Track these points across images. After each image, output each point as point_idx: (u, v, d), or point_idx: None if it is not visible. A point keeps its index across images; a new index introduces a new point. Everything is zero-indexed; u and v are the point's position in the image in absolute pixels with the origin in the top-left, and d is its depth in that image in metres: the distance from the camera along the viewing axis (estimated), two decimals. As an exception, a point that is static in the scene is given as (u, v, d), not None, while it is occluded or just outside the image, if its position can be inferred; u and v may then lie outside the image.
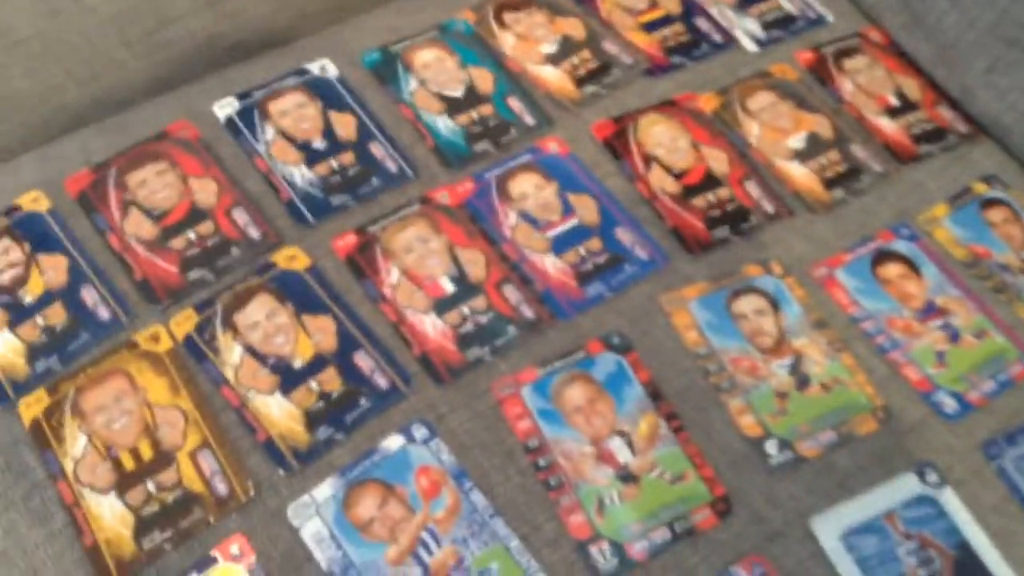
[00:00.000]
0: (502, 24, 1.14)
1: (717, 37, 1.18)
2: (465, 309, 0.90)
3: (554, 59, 1.11)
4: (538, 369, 0.87)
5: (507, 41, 1.13)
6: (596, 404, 0.85)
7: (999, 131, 1.12)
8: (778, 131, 1.10)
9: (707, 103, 1.11)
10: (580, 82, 1.10)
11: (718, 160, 1.05)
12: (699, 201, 1.02)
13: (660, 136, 1.06)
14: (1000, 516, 0.83)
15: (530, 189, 0.99)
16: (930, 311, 0.97)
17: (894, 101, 1.15)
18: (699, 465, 0.84)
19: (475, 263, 0.93)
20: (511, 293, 0.91)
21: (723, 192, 1.03)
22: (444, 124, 1.03)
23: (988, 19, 1.11)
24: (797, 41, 1.20)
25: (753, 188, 1.03)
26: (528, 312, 0.90)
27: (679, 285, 0.95)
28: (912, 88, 1.17)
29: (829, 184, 1.06)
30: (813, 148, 1.09)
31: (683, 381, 0.88)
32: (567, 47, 1.13)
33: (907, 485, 0.85)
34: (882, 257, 1.01)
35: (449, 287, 0.91)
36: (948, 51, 1.15)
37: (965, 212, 1.06)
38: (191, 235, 0.91)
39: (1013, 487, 0.86)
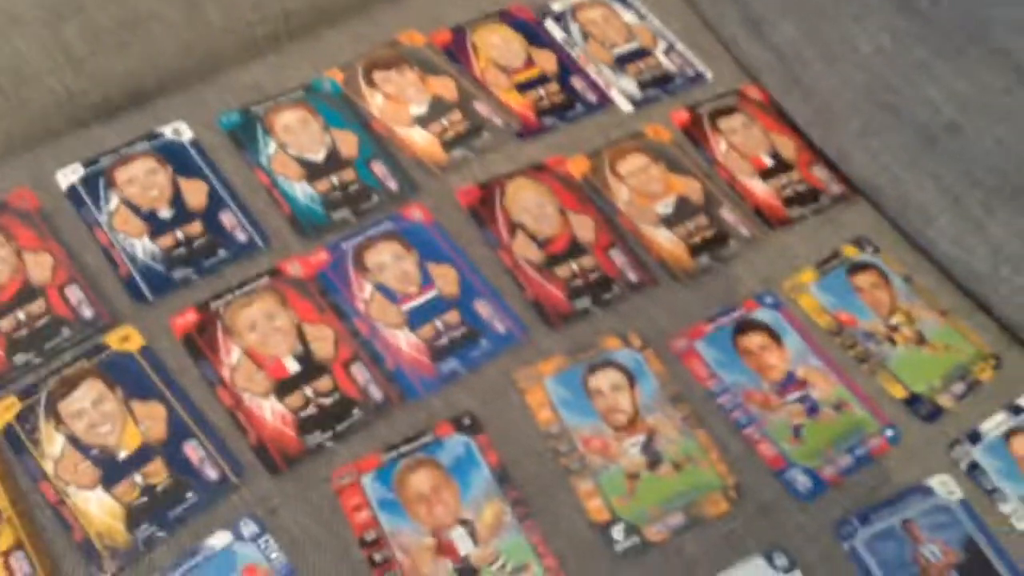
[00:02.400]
0: (371, 84, 1.12)
1: (592, 97, 1.17)
2: (308, 391, 0.87)
3: (423, 121, 1.09)
4: (382, 455, 0.85)
5: (376, 102, 1.10)
6: (440, 492, 0.83)
7: (872, 192, 1.12)
8: (647, 196, 1.08)
9: (577, 167, 1.09)
10: (449, 145, 1.08)
11: (584, 227, 1.04)
12: (562, 270, 1.00)
13: (527, 202, 1.05)
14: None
15: (388, 259, 0.97)
16: (789, 383, 0.96)
17: (768, 162, 1.14)
18: (542, 555, 0.82)
19: (323, 340, 0.90)
20: (359, 372, 0.88)
21: (587, 261, 1.01)
22: (302, 190, 1.01)
23: (862, 82, 1.11)
24: (674, 100, 1.19)
25: (618, 256, 1.02)
26: (376, 393, 0.88)
27: (536, 360, 0.93)
28: (788, 148, 1.17)
29: (695, 251, 1.05)
30: (681, 213, 1.08)
31: (533, 463, 0.86)
32: (438, 108, 1.11)
33: (755, 570, 0.83)
34: (744, 327, 1.00)
35: (293, 367, 0.88)
36: (824, 112, 1.15)
37: (832, 277, 1.06)
38: (20, 315, 0.87)
39: (864, 570, 0.85)
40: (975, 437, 0.95)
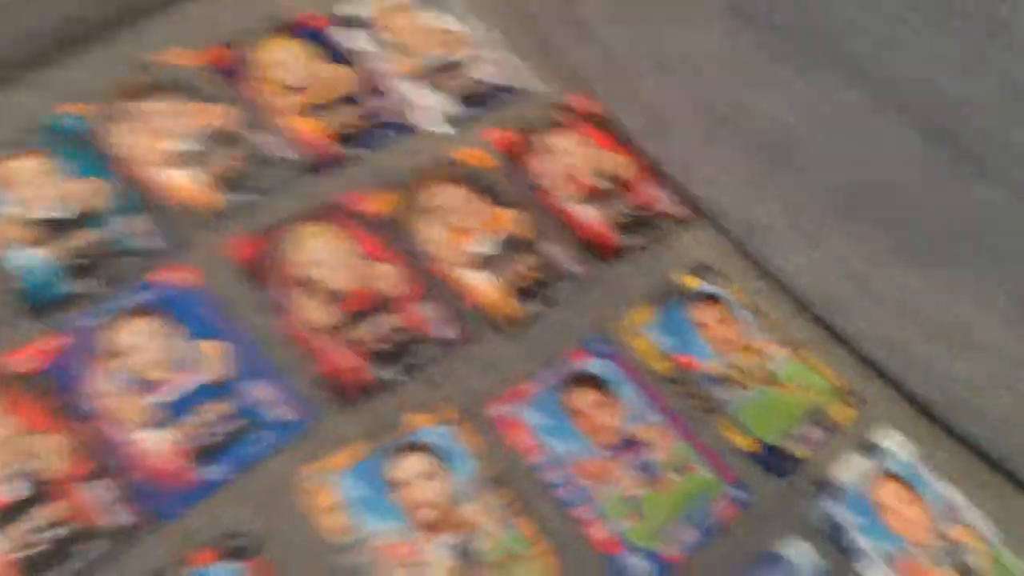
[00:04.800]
0: (124, 118, 0.91)
1: (399, 119, 0.98)
2: (29, 524, 0.66)
3: (192, 160, 0.89)
4: None
5: (127, 140, 0.89)
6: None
7: (714, 213, 0.98)
8: (463, 233, 0.91)
9: (380, 204, 0.91)
10: (224, 187, 0.87)
11: (388, 278, 0.86)
12: (362, 333, 0.82)
13: (318, 252, 0.86)
14: None
15: (142, 340, 0.77)
16: (625, 445, 0.81)
17: (599, 183, 0.99)
18: None
19: (51, 455, 0.70)
20: (96, 493, 0.68)
21: (393, 319, 0.83)
22: (30, 258, 0.79)
23: (699, 92, 0.96)
24: (494, 117, 1.02)
25: (430, 309, 0.84)
26: (121, 516, 0.68)
27: (326, 451, 0.74)
28: (621, 166, 1.01)
29: (522, 296, 0.88)
30: (503, 252, 0.91)
31: (319, 587, 0.68)
32: (210, 144, 0.90)
33: None
34: (574, 382, 0.84)
35: (13, 494, 0.68)
36: (659, 125, 1.00)
37: (671, 314, 0.91)
38: None
39: None
40: (833, 488, 0.81)
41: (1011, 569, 0.81)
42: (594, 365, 0.86)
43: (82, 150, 0.88)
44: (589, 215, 0.97)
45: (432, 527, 0.74)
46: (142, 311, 0.80)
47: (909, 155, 0.81)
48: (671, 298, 0.92)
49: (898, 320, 0.87)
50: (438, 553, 0.72)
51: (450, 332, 0.85)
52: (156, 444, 0.73)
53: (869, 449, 0.86)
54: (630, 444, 0.82)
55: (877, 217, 0.84)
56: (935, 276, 0.84)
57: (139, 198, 0.86)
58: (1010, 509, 0.84)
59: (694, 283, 0.94)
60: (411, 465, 0.76)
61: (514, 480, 0.78)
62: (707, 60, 0.95)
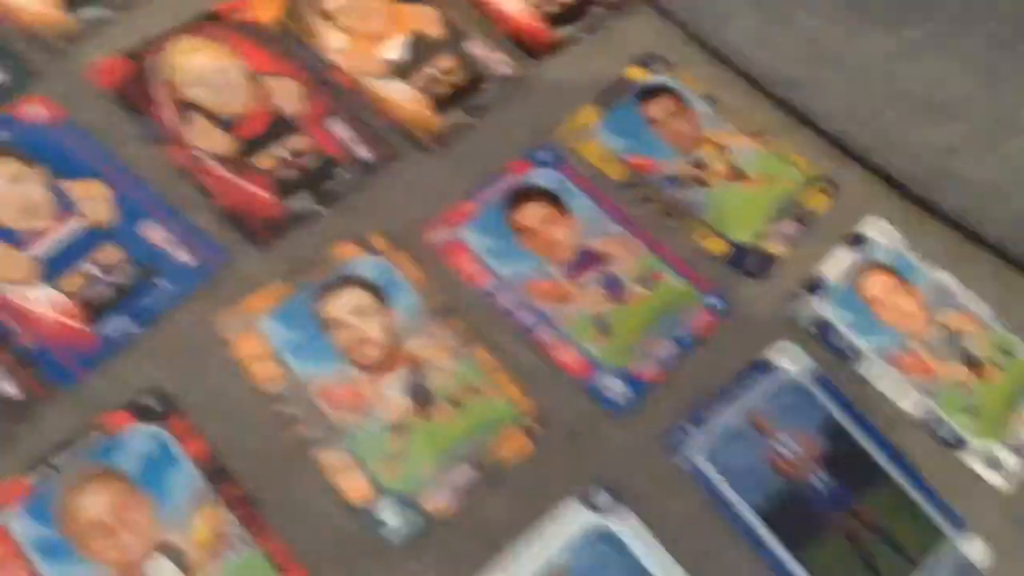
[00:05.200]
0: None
1: (274, -90, 0.92)
2: None
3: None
4: (29, 477, 0.63)
5: None
6: (125, 512, 0.64)
7: (653, -8, 0.96)
8: (369, 38, 0.88)
9: (265, 10, 0.87)
10: (74, 3, 0.82)
11: (287, 94, 0.83)
12: (264, 160, 0.80)
13: (201, 70, 0.82)
14: (695, 534, 0.70)
15: (2, 184, 0.72)
16: (584, 261, 0.81)
17: (518, -30, 0.95)
18: (285, 568, 0.64)
19: None
20: None
21: (298, 141, 0.81)
22: None
23: None
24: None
25: (339, 127, 0.82)
26: (9, 387, 0.65)
27: (242, 294, 0.73)
28: (542, -52, 0.98)
29: (442, 105, 0.86)
30: (418, 56, 0.88)
31: (256, 442, 0.68)
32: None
33: (571, 517, 0.69)
34: (517, 197, 0.83)
35: None
36: None
37: (620, 112, 0.90)
38: None
39: (706, 487, 0.72)
40: (817, 286, 0.83)
41: (1011, 351, 0.84)
42: (538, 176, 0.85)
43: None
44: (514, 6, 0.94)
45: (377, 367, 0.73)
46: (-4, 153, 0.75)
47: None
48: (617, 94, 0.91)
49: (865, 89, 0.88)
50: (387, 392, 0.72)
51: (367, 152, 0.82)
52: (40, 304, 0.70)
53: (850, 239, 0.87)
54: (588, 259, 0.82)
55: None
56: (903, 35, 0.84)
57: (-31, 22, 0.80)
58: (1004, 285, 0.87)
59: (640, 75, 0.93)
60: (344, 301, 0.75)
61: (462, 309, 0.77)
62: None
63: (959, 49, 0.81)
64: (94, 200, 0.74)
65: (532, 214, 0.83)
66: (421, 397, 0.73)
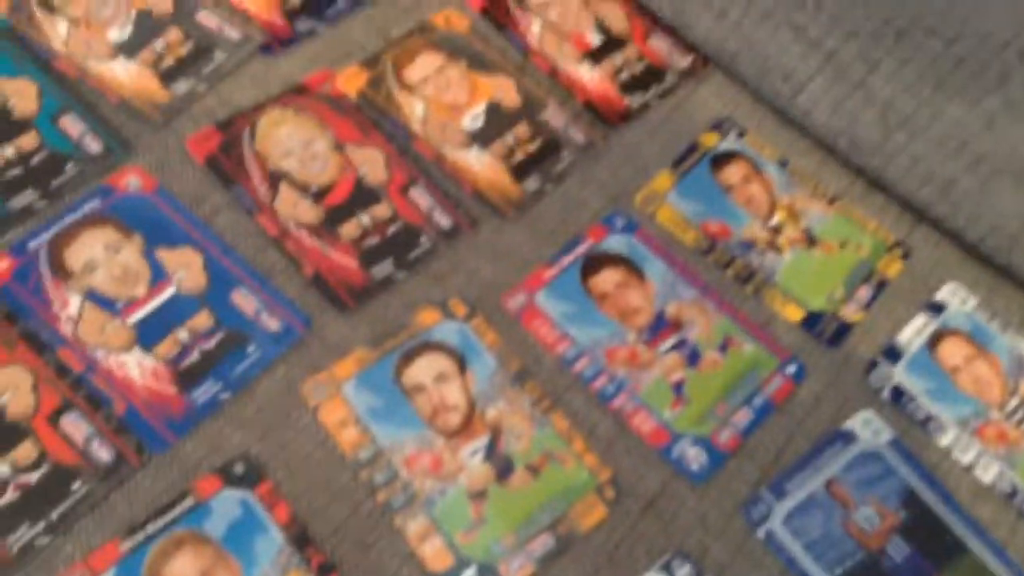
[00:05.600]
0: (50, 8, 0.86)
1: (358, -16, 0.94)
2: (4, 468, 0.64)
3: (128, 48, 0.86)
4: (121, 542, 0.64)
5: (59, 32, 0.85)
6: (213, 576, 0.63)
7: (726, 60, 0.96)
8: (449, 108, 0.88)
9: (349, 82, 0.88)
10: (168, 77, 0.84)
11: (371, 163, 0.83)
12: (349, 228, 0.80)
13: (288, 141, 0.83)
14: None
15: (100, 253, 0.75)
16: (660, 327, 0.80)
17: (594, 39, 0.96)
18: (368, 636, 0.63)
19: (17, 390, 0.67)
20: (74, 427, 0.67)
21: (381, 210, 0.81)
22: (-41, 177, 0.76)
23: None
24: (468, -26, 0.98)
25: (421, 196, 0.82)
26: (103, 453, 0.66)
27: (328, 361, 0.73)
28: (617, 17, 0.99)
29: (519, 172, 0.86)
30: (495, 125, 0.88)
31: (341, 509, 0.68)
32: (146, 29, 0.87)
33: (652, 589, 0.68)
34: (593, 264, 0.82)
35: None
36: (653, -34, 0.96)
37: (694, 178, 0.89)
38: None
39: (786, 558, 0.70)
40: (893, 354, 0.81)
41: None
42: (615, 242, 0.84)
43: (3, 48, 0.83)
44: (589, 75, 0.94)
45: (457, 432, 0.72)
46: (94, 222, 0.76)
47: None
48: (691, 160, 0.90)
49: (940, 155, 0.86)
50: (468, 459, 0.71)
51: (447, 220, 0.82)
52: (135, 370, 0.71)
53: (926, 305, 0.85)
54: (664, 325, 0.81)
55: (911, 40, 0.82)
56: (980, 101, 0.82)
57: (73, 97, 0.82)
58: (1085, 354, 0.84)
59: (713, 140, 0.92)
60: (426, 367, 0.75)
61: (541, 375, 0.76)
62: None
63: (1036, 117, 0.79)
64: (187, 268, 0.75)
65: (608, 279, 0.82)
66: (501, 464, 0.72)
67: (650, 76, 0.95)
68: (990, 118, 0.82)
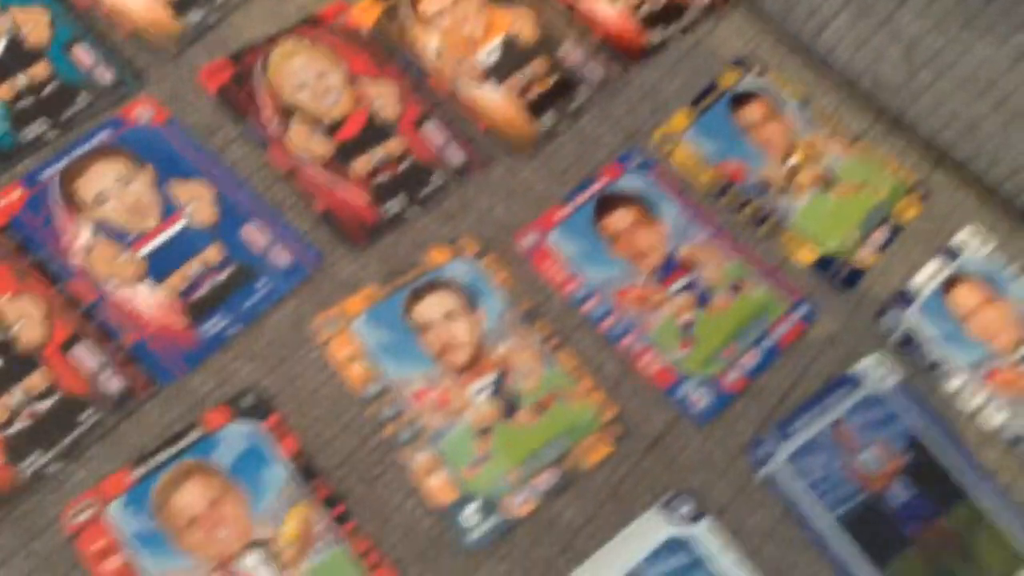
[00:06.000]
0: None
1: (375, -87, 0.91)
2: (16, 396, 0.64)
3: (140, -22, 0.83)
4: (131, 471, 0.64)
5: None
6: (220, 507, 0.64)
7: (748, -6, 0.92)
8: (464, 42, 0.86)
9: (364, 15, 0.86)
10: (180, 6, 0.82)
11: (385, 98, 0.81)
12: (361, 164, 0.78)
13: (301, 73, 0.81)
14: (774, 547, 0.67)
15: (111, 184, 0.74)
16: (671, 268, 0.78)
17: (617, -27, 0.92)
18: (371, 566, 0.63)
19: (30, 320, 0.67)
20: (85, 358, 0.66)
21: (394, 145, 0.79)
22: (-29, 104, 0.75)
23: None
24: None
25: (434, 132, 0.80)
26: (112, 384, 0.66)
27: (338, 297, 0.72)
28: (638, -48, 0.94)
29: (535, 109, 0.84)
30: (511, 60, 0.86)
31: (348, 442, 0.67)
32: (160, -43, 0.84)
33: (654, 526, 0.67)
34: (607, 203, 0.81)
35: None
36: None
37: (712, 117, 0.87)
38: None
39: (788, 500, 0.69)
40: (907, 298, 0.79)
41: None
42: (630, 181, 0.82)
43: (12, -25, 0.81)
44: (608, 10, 0.91)
45: (466, 369, 0.71)
46: (105, 153, 0.75)
47: None
48: (710, 99, 0.88)
49: (965, 95, 0.83)
50: (475, 396, 0.70)
51: (461, 157, 0.80)
52: (143, 301, 0.70)
53: (942, 250, 0.83)
54: (676, 267, 0.79)
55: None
56: (1008, 40, 0.78)
57: (85, 26, 0.80)
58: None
59: (734, 78, 0.89)
60: (435, 304, 0.74)
61: (551, 314, 0.75)
62: None
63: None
64: (199, 201, 0.74)
65: (621, 220, 0.80)
66: (508, 401, 0.71)
67: (671, 11, 0.92)
68: (1019, 56, 0.78)
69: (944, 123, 0.84)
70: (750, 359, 0.76)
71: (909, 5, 0.82)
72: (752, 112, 0.87)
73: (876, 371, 0.76)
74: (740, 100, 0.88)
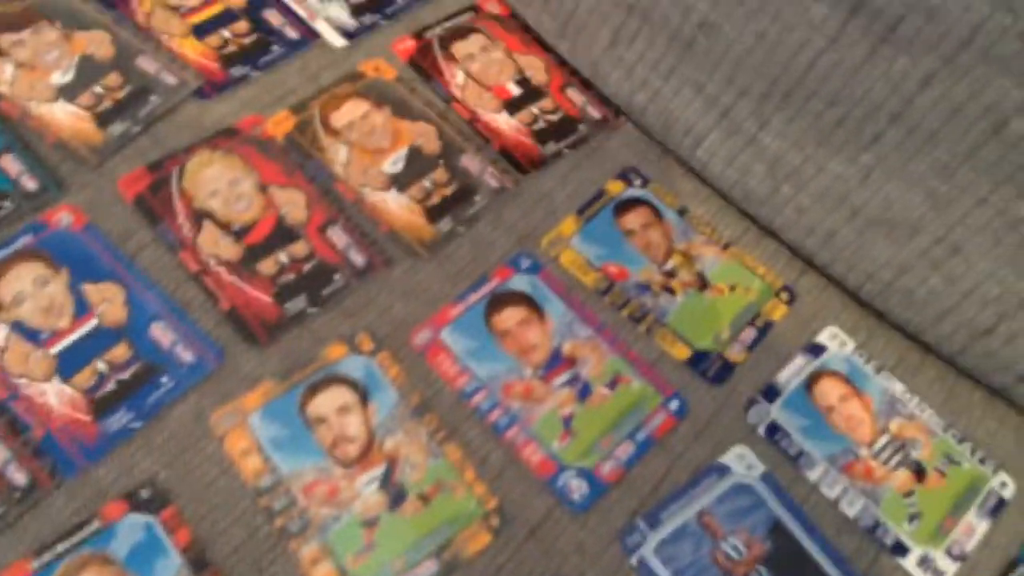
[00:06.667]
0: (-6, 51, 0.88)
1: (293, 33, 0.96)
2: None
3: (69, 92, 0.87)
4: (32, 561, 0.65)
5: (5, 75, 0.86)
6: (113, 596, 0.64)
7: (634, 113, 0.98)
8: (371, 152, 0.90)
9: (278, 127, 0.89)
10: (104, 119, 0.85)
11: (293, 204, 0.85)
12: (267, 265, 0.81)
13: (215, 181, 0.85)
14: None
15: (28, 286, 0.76)
16: (555, 363, 0.81)
17: (514, 90, 0.98)
18: (256, 654, 0.65)
19: None
20: None
21: (299, 248, 0.82)
22: None
23: (606, -15, 0.94)
24: (396, 26, 1.00)
25: (338, 235, 0.84)
26: (18, 476, 0.68)
27: (238, 392, 0.74)
28: (537, 70, 1.00)
29: (434, 215, 0.88)
30: (414, 169, 0.90)
31: (240, 533, 0.69)
32: (87, 73, 0.88)
33: (528, 612, 0.69)
34: (498, 302, 0.84)
35: None
36: (569, 22, 0.98)
37: (597, 223, 0.91)
38: None
39: None
40: (772, 392, 0.83)
41: (956, 459, 0.83)
42: (519, 282, 0.86)
43: (-58, 88, 0.84)
44: (506, 124, 0.96)
45: (355, 462, 0.74)
46: (24, 256, 0.78)
47: (825, 33, 0.81)
48: (596, 206, 0.92)
49: (823, 207, 0.88)
50: (363, 488, 0.73)
51: (362, 259, 0.84)
52: (53, 398, 0.72)
53: (807, 347, 0.87)
54: (559, 362, 0.82)
55: (796, 101, 0.85)
56: (857, 158, 0.84)
57: (13, 137, 0.83)
58: (953, 395, 0.87)
59: (619, 188, 0.94)
60: (329, 399, 0.77)
61: (439, 408, 0.78)
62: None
63: (906, 174, 0.82)
64: (110, 302, 0.77)
65: (510, 317, 0.84)
66: (395, 493, 0.73)
67: (564, 126, 0.97)
68: (866, 173, 0.84)
69: (806, 232, 0.89)
70: (625, 450, 0.79)
71: (771, 126, 0.87)
72: (633, 219, 0.92)
73: (742, 461, 0.80)
74: (623, 207, 0.93)
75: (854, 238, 0.87)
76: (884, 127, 0.81)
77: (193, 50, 0.93)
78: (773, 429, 0.82)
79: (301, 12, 0.98)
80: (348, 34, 0.99)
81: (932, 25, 0.74)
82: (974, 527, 0.80)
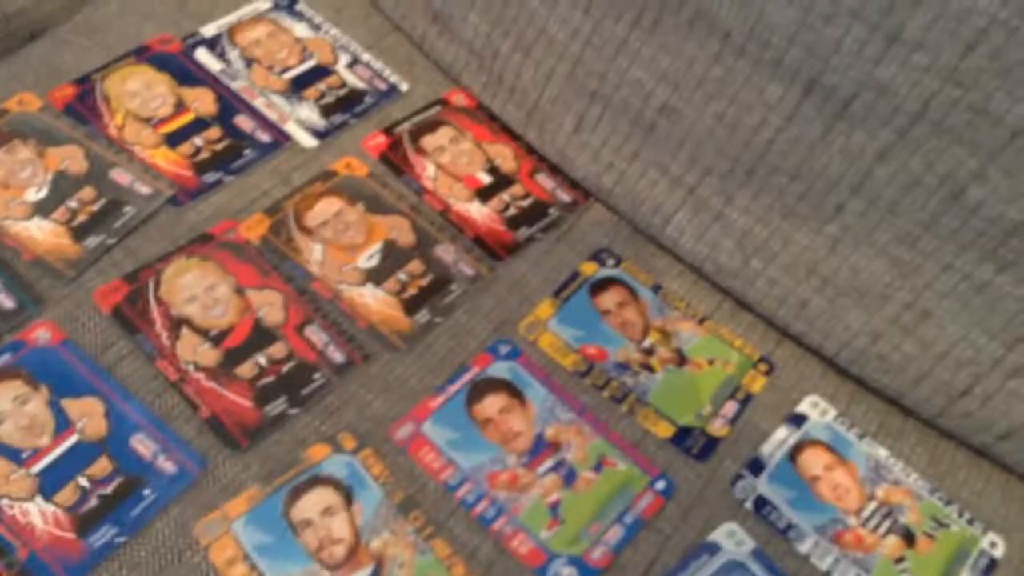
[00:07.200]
0: (-31, 172, 0.88)
1: (265, 136, 0.96)
2: None
3: (44, 208, 0.86)
4: None
5: None
6: None
7: (603, 195, 0.98)
8: (346, 249, 0.90)
9: (252, 230, 0.89)
10: (79, 233, 0.85)
11: (270, 306, 0.84)
12: (245, 369, 0.80)
13: (192, 287, 0.84)
14: None
15: (8, 406, 0.76)
16: (539, 450, 0.80)
17: (485, 179, 0.98)
18: None
19: None
20: None
21: (277, 349, 0.81)
22: None
23: (563, 72, 0.95)
24: (366, 123, 1.01)
25: (316, 334, 0.83)
26: (-1, 602, 0.65)
27: (221, 500, 0.73)
28: (506, 158, 1.01)
29: (411, 306, 0.87)
30: (390, 263, 0.90)
31: (226, 645, 0.66)
32: (61, 188, 0.88)
33: None
34: (478, 391, 0.83)
35: None
36: (534, 111, 0.99)
37: (574, 305, 0.91)
38: None
39: None
40: (757, 466, 0.82)
41: (944, 521, 0.82)
42: (498, 369, 0.85)
43: (-83, 212, 0.84)
44: (478, 213, 0.96)
45: (342, 564, 0.72)
46: (2, 376, 0.77)
47: (781, 112, 0.82)
48: (572, 288, 0.92)
49: (792, 278, 0.88)
50: (351, 592, 0.71)
51: (341, 355, 0.83)
52: (36, 518, 0.71)
53: (788, 418, 0.86)
54: (544, 447, 0.81)
55: (759, 177, 0.85)
56: (822, 230, 0.85)
57: (-13, 256, 0.83)
58: (936, 457, 0.86)
59: (592, 268, 0.94)
60: (313, 502, 0.75)
61: (425, 503, 0.77)
62: (565, 37, 0.95)
63: (871, 243, 0.82)
64: (90, 417, 0.76)
65: (491, 405, 0.83)
66: (383, 593, 0.71)
67: (536, 210, 0.98)
68: (832, 244, 0.84)
69: (778, 304, 0.89)
70: (614, 534, 0.78)
71: (736, 202, 0.88)
72: (608, 298, 0.92)
73: (732, 538, 0.79)
74: (598, 288, 0.93)
75: (826, 307, 0.87)
76: (846, 199, 0.82)
77: (166, 159, 0.93)
78: (761, 503, 0.81)
79: (272, 116, 0.99)
80: (319, 134, 0.99)
81: (884, 100, 0.74)
82: (968, 590, 0.78)
